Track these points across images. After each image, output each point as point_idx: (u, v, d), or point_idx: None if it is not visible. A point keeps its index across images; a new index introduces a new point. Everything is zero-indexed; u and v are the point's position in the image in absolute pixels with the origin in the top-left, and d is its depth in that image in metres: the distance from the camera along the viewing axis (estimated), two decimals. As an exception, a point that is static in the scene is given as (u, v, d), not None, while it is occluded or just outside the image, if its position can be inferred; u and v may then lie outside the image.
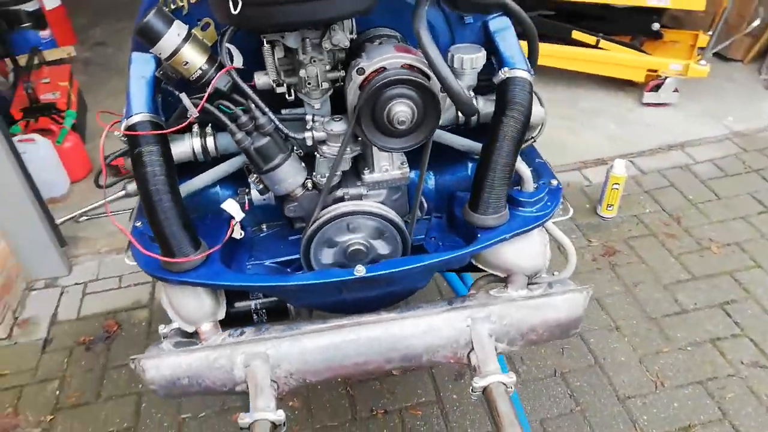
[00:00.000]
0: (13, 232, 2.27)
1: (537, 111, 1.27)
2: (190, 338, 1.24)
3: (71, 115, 3.06)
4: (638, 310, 2.13)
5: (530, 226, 1.21)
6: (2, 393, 2.00)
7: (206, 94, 1.10)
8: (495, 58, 1.25)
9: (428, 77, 1.08)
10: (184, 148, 1.22)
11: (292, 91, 1.17)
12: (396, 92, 1.05)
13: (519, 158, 1.25)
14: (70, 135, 2.93)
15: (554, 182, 1.32)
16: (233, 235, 1.23)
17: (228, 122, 1.11)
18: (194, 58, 1.09)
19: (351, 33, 1.11)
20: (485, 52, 1.19)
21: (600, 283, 2.24)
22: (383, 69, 1.07)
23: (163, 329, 1.23)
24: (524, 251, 1.26)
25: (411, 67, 1.07)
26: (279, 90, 1.15)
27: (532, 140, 1.34)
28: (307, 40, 1.09)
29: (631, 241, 2.43)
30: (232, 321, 1.27)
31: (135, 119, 1.11)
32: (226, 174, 1.30)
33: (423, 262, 1.16)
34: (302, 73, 1.12)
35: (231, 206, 1.21)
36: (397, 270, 1.15)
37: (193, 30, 1.12)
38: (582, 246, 2.41)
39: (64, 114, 3.02)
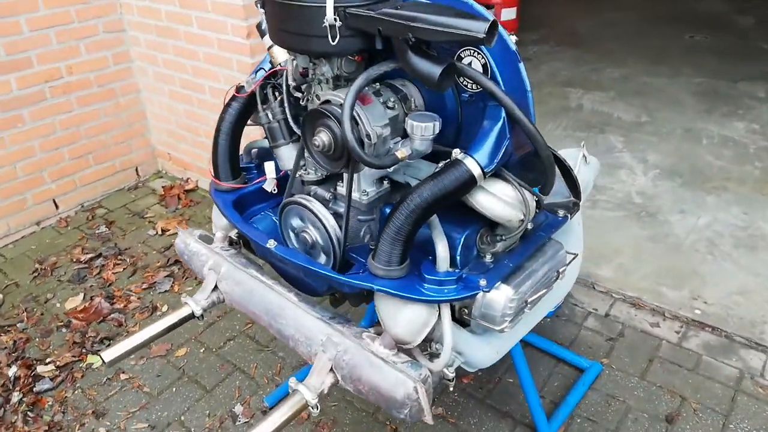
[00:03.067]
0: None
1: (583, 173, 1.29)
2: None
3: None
4: None
5: (397, 293, 1.24)
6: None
7: (260, 80, 1.52)
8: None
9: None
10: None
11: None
12: (320, 123, 1.27)
13: (441, 237, 1.27)
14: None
15: (483, 281, 1.26)
16: (264, 187, 1.65)
17: (258, 101, 1.51)
18: (278, 55, 1.52)
19: (339, 69, 1.34)
20: (438, 123, 1.23)
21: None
22: (327, 102, 1.28)
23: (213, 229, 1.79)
24: (398, 316, 1.29)
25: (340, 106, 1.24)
26: (296, 94, 1.47)
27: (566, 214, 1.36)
28: (313, 63, 1.38)
29: None
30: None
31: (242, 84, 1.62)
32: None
33: (306, 263, 1.36)
34: (305, 87, 1.42)
35: (270, 167, 1.63)
36: (289, 258, 1.39)
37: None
38: None
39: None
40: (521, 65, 1.27)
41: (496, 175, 1.29)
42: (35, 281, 2.93)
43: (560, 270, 1.45)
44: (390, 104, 1.30)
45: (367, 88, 1.30)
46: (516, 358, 1.81)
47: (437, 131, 1.24)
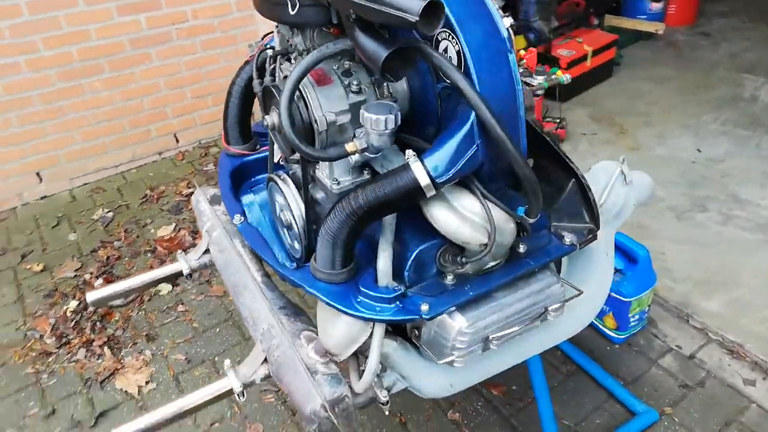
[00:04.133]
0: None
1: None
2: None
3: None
4: None
5: (328, 300, 1.11)
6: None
7: (260, 45, 1.42)
8: None
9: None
10: None
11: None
12: (273, 101, 1.14)
13: (386, 247, 1.10)
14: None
15: (425, 306, 1.08)
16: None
17: (254, 69, 1.40)
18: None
19: (312, 41, 1.19)
20: (394, 117, 1.04)
21: None
22: (286, 77, 1.15)
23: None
24: (329, 325, 1.16)
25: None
26: (285, 65, 1.34)
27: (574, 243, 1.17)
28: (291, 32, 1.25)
29: None
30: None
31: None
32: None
33: (258, 248, 1.28)
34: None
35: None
36: (246, 238, 1.32)
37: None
38: None
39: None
40: (512, 56, 1.03)
41: (466, 186, 1.08)
42: (142, 206, 3.22)
43: (551, 307, 1.20)
44: (355, 88, 1.13)
45: (334, 67, 1.15)
46: (534, 375, 1.59)
47: (392, 125, 1.05)
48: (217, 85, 3.54)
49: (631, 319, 2.12)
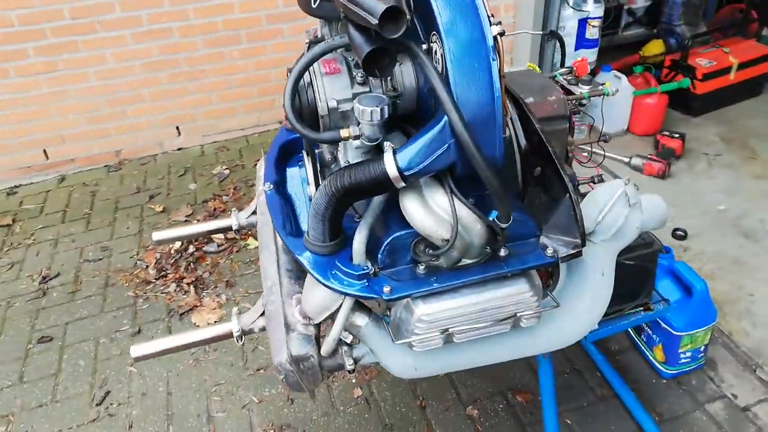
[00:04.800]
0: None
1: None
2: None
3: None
4: None
5: (308, 268, 1.23)
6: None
7: (314, 32, 1.56)
8: None
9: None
10: None
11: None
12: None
13: (363, 229, 1.20)
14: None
15: (387, 288, 1.16)
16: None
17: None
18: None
19: (337, 33, 1.29)
20: (381, 109, 1.11)
21: None
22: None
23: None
24: (309, 291, 1.28)
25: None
26: None
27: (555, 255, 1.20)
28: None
29: None
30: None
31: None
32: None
33: (273, 216, 1.43)
34: None
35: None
36: (268, 207, 1.48)
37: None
38: None
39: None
40: (494, 64, 1.06)
41: (441, 182, 1.14)
42: (254, 167, 3.57)
43: (523, 314, 1.22)
44: (360, 79, 1.22)
45: (349, 59, 1.25)
46: (542, 378, 1.62)
47: (377, 117, 1.12)
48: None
49: (682, 356, 1.99)
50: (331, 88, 1.21)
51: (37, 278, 2.81)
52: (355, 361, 1.31)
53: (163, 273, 2.79)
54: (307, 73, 1.20)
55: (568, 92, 1.52)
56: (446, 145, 1.07)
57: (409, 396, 2.10)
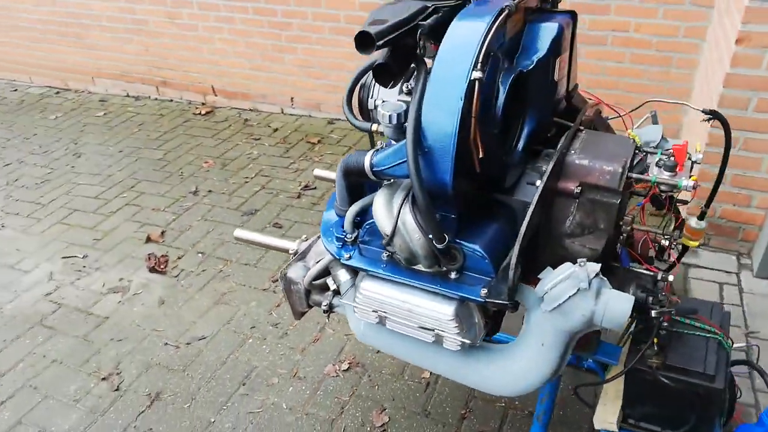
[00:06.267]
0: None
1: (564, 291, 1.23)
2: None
3: None
4: None
5: (320, 224, 1.55)
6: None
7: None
8: None
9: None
10: None
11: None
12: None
13: (358, 204, 1.46)
14: None
15: (347, 255, 1.43)
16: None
17: None
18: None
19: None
20: (395, 114, 1.30)
21: None
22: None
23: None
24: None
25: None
26: None
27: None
28: None
29: None
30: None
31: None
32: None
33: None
34: None
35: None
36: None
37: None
38: None
39: None
40: (459, 104, 1.17)
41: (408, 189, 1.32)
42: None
43: (441, 334, 1.33)
44: (406, 90, 1.44)
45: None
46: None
47: (394, 122, 1.31)
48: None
49: None
50: (384, 93, 1.48)
51: (302, 185, 3.70)
52: (330, 306, 1.60)
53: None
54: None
55: (637, 177, 1.38)
56: (404, 159, 1.25)
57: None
